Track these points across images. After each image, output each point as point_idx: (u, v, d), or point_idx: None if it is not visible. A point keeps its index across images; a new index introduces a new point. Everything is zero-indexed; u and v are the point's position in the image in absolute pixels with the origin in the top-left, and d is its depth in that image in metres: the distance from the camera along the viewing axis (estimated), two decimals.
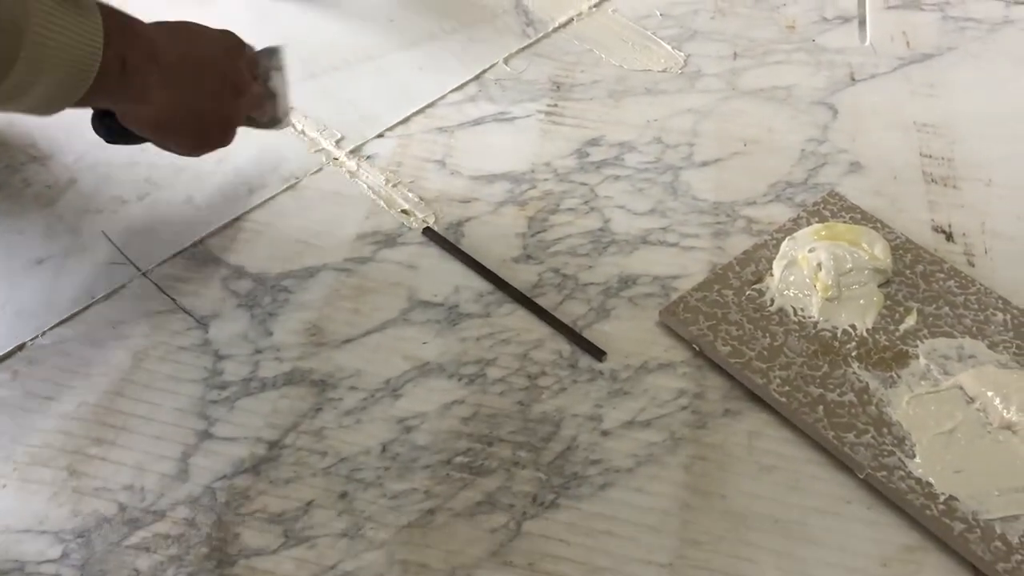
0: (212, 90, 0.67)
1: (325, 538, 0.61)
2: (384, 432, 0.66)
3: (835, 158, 0.87)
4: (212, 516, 0.61)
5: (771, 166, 0.86)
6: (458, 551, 0.60)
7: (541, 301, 0.74)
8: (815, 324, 0.72)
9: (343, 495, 0.63)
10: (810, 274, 0.74)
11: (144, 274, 0.74)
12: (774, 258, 0.76)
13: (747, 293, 0.74)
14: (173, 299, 0.73)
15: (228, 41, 0.70)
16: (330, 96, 0.89)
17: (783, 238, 0.77)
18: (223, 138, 0.71)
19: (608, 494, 0.63)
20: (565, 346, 0.71)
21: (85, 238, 0.77)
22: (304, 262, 0.76)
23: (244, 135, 0.85)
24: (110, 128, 0.68)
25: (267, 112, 0.74)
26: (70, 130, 0.85)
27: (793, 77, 0.95)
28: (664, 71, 0.95)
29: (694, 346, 0.71)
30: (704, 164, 0.86)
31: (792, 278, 0.74)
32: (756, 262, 0.76)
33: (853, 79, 0.95)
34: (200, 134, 0.69)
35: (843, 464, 0.65)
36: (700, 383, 0.70)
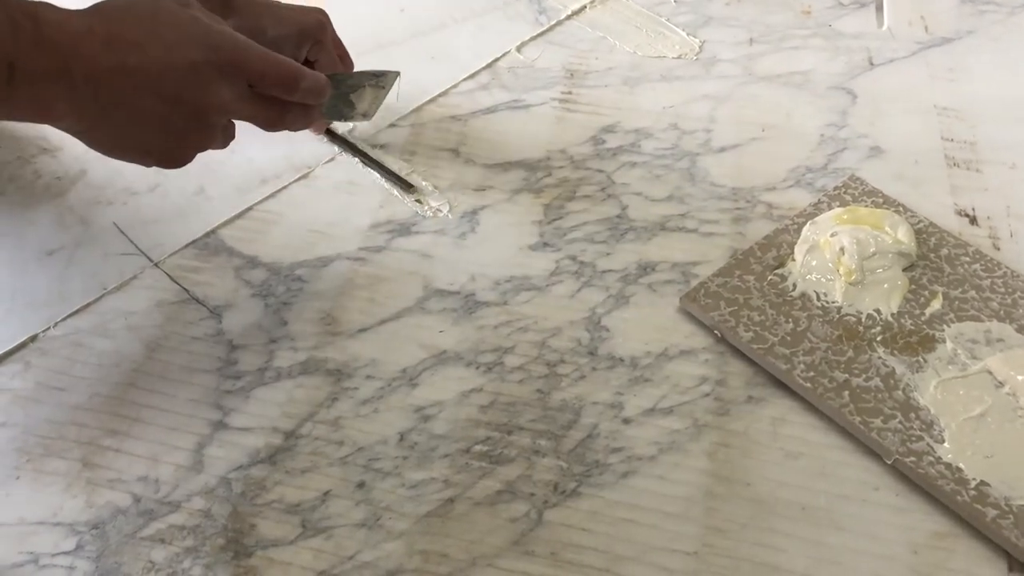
0: (152, 119, 0.57)
1: (343, 528, 0.60)
2: (402, 421, 0.65)
3: (855, 143, 0.85)
4: (228, 507, 0.60)
5: (790, 151, 0.84)
6: (478, 540, 0.59)
7: (558, 288, 0.73)
8: (839, 309, 0.71)
9: (361, 485, 0.62)
10: (833, 258, 0.72)
11: (156, 264, 0.74)
12: (795, 243, 0.75)
13: (769, 278, 0.73)
14: (186, 289, 0.72)
15: (208, 46, 0.57)
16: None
17: (804, 223, 0.76)
18: (186, 154, 0.62)
19: (630, 482, 0.62)
20: (584, 333, 0.70)
21: (96, 229, 0.76)
22: (318, 252, 0.75)
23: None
24: None
25: (293, 128, 0.69)
26: None
27: (810, 62, 0.93)
28: (679, 57, 0.94)
29: (716, 332, 0.70)
30: (722, 150, 0.84)
31: (814, 262, 0.73)
32: (777, 247, 0.75)
33: (871, 64, 0.93)
34: (145, 154, 0.60)
35: (870, 450, 0.63)
36: (722, 370, 0.68)
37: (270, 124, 0.66)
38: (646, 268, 0.75)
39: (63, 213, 0.77)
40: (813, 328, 0.69)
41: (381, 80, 0.78)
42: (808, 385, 0.66)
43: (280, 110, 0.65)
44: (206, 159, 0.79)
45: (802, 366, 0.67)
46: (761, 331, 0.69)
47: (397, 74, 0.78)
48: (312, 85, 0.64)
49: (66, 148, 0.82)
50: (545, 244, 0.76)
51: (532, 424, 0.65)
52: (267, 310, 0.71)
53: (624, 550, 0.59)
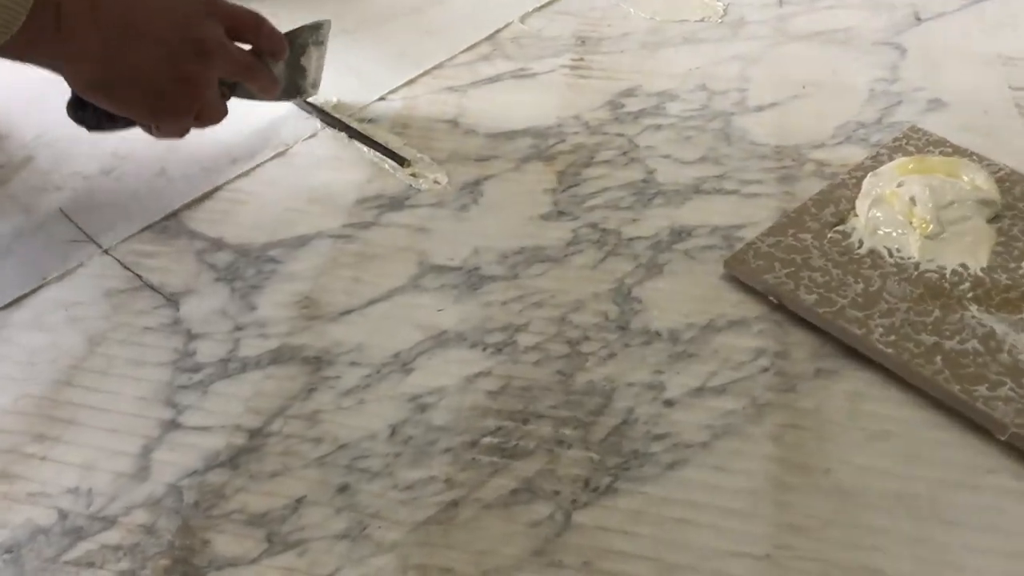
0: (164, 47, 0.58)
1: (319, 541, 0.47)
2: (393, 412, 0.53)
3: (910, 96, 0.74)
4: (176, 520, 0.48)
5: (837, 107, 0.73)
6: (490, 551, 0.47)
7: (577, 259, 0.62)
8: (916, 265, 0.59)
9: (343, 488, 0.49)
10: (903, 210, 0.61)
11: (106, 251, 0.63)
12: (855, 198, 0.63)
13: (829, 236, 0.61)
14: (138, 276, 0.61)
15: None
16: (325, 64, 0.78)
17: (863, 176, 0.64)
18: (188, 102, 0.61)
19: (679, 474, 0.50)
20: (611, 306, 0.59)
21: (40, 217, 0.65)
22: (295, 231, 0.64)
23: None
24: (89, 113, 0.62)
25: (266, 85, 0.66)
26: (30, 107, 0.74)
27: (849, 21, 0.83)
28: (702, 20, 0.84)
29: (770, 298, 0.58)
30: (759, 109, 0.74)
31: (881, 216, 0.61)
32: (835, 203, 0.63)
33: (918, 19, 0.83)
34: (155, 96, 0.60)
35: (976, 425, 0.51)
36: (782, 340, 0.56)
37: (246, 70, 0.64)
38: (680, 233, 0.63)
39: (4, 202, 0.67)
40: (889, 287, 0.57)
41: (319, 34, 0.70)
42: (890, 351, 0.54)
43: (251, 59, 0.64)
44: (170, 141, 0.69)
45: (880, 330, 0.55)
46: (826, 293, 0.57)
47: (329, 22, 0.70)
48: (272, 30, 0.65)
49: (13, 135, 0.72)
50: (560, 213, 0.65)
51: (553, 411, 0.53)
52: (233, 295, 0.60)
53: (677, 556, 0.46)
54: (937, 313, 0.56)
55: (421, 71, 0.78)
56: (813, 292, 0.57)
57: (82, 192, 0.67)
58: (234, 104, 0.74)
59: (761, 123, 0.72)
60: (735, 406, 0.53)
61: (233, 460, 0.51)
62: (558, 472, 0.50)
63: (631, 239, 0.63)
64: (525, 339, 0.57)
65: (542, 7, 0.86)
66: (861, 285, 0.58)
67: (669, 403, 0.53)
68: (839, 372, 0.54)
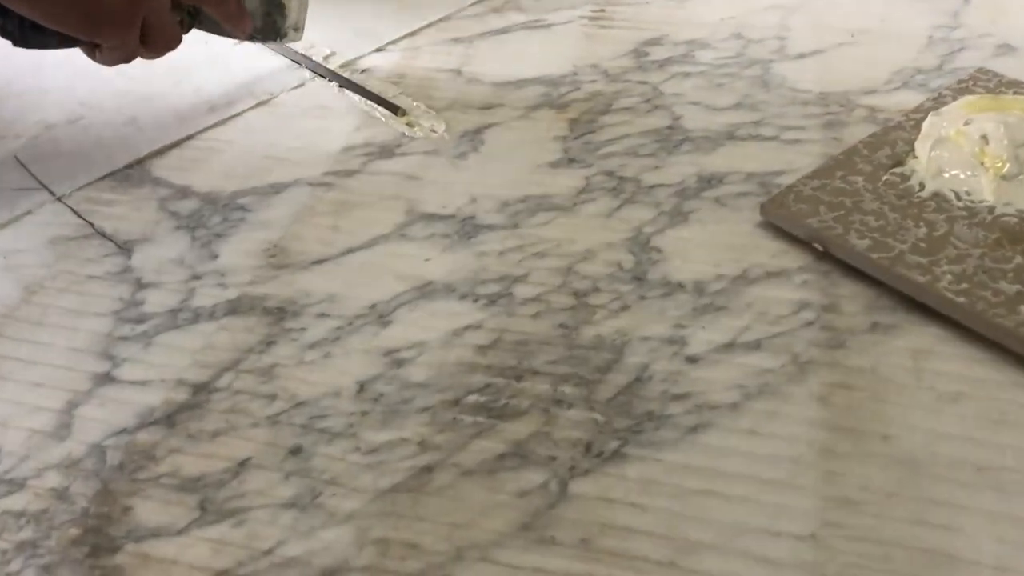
0: None
1: (261, 510, 0.39)
2: (363, 368, 0.45)
3: (975, 42, 0.65)
4: (95, 484, 0.40)
5: (891, 54, 0.65)
6: (467, 524, 0.38)
7: (589, 207, 0.53)
8: (990, 209, 0.49)
9: (295, 451, 0.41)
10: (972, 150, 0.52)
11: (59, 199, 0.56)
12: (914, 140, 0.54)
13: (884, 178, 0.52)
14: (90, 223, 0.54)
15: None
16: (316, 15, 0.71)
17: (922, 118, 0.55)
18: (126, 10, 0.52)
19: (703, 439, 0.41)
20: (626, 256, 0.50)
21: None
22: (270, 179, 0.57)
23: (205, 49, 0.68)
24: (12, 22, 0.53)
25: (232, 14, 0.58)
26: None
27: None
28: None
29: (815, 245, 0.49)
30: (801, 56, 0.65)
31: (946, 156, 0.52)
32: (891, 145, 0.55)
33: None
34: (85, 2, 0.51)
35: None
36: (829, 292, 0.47)
37: None
38: (710, 180, 0.55)
39: None
40: (957, 232, 0.48)
41: None
42: (962, 300, 0.44)
43: None
44: (145, 91, 0.63)
45: (949, 278, 0.45)
46: (882, 238, 0.48)
47: None
48: None
49: None
50: (571, 160, 0.57)
51: (552, 367, 0.44)
52: (193, 243, 0.52)
53: (698, 534, 0.37)
54: (1018, 259, 0.46)
55: (425, 23, 0.71)
56: (866, 237, 0.48)
57: (44, 141, 0.61)
58: (215, 51, 0.68)
59: (803, 70, 0.64)
60: (772, 364, 0.44)
61: (170, 418, 0.43)
62: (554, 435, 0.41)
63: (652, 186, 0.55)
64: (523, 290, 0.48)
65: None
66: (924, 229, 0.48)
67: (692, 359, 0.44)
68: (899, 326, 0.45)
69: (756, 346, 0.45)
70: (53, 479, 0.41)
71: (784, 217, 0.51)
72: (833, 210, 0.50)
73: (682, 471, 0.39)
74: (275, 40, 0.64)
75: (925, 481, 0.38)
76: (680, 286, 0.48)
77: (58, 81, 0.66)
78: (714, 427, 0.41)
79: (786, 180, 0.54)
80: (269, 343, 0.46)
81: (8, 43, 0.69)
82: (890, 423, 0.41)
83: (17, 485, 0.40)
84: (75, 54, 0.67)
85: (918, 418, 0.41)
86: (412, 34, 0.70)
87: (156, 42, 0.53)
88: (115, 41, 0.52)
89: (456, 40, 0.69)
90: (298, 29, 0.64)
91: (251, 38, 0.63)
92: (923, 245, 0.47)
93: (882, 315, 0.46)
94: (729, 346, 0.45)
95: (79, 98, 0.64)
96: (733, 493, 0.39)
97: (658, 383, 0.43)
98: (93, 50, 0.53)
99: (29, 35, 0.53)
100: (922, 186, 0.51)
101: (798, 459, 0.40)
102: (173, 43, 0.55)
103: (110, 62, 0.54)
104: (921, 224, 0.49)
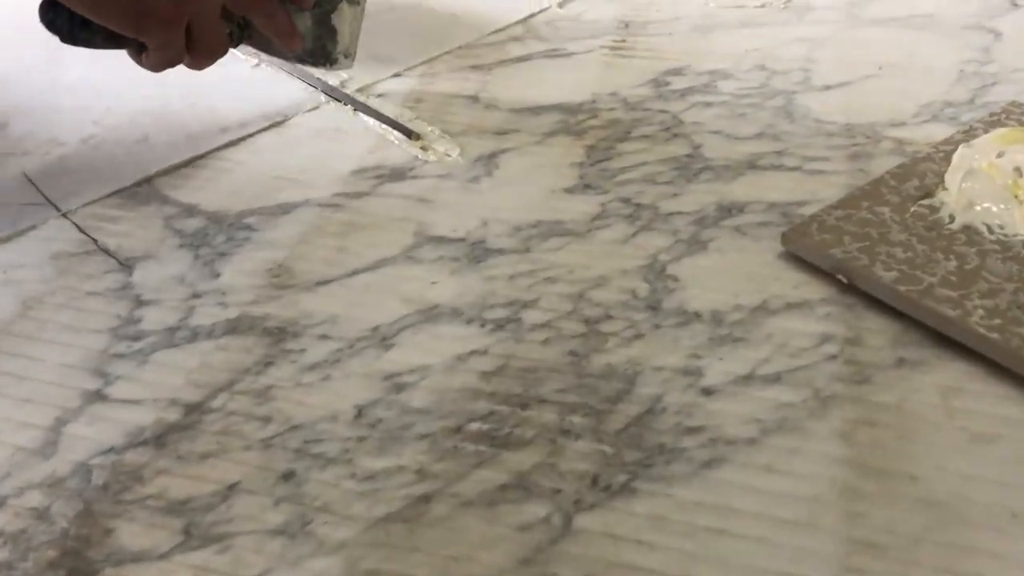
0: None
1: (248, 536, 0.37)
2: (362, 392, 0.43)
3: (1008, 77, 0.64)
4: (77, 505, 0.38)
5: (920, 88, 0.63)
6: (464, 557, 0.36)
7: (604, 234, 0.52)
8: None
9: (287, 476, 0.39)
10: (1005, 183, 0.49)
11: (64, 215, 0.55)
12: (944, 171, 0.52)
13: (912, 210, 0.50)
14: (93, 239, 0.53)
15: None
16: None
17: (952, 150, 0.53)
18: (175, 8, 0.51)
19: (717, 474, 0.38)
20: (641, 284, 0.48)
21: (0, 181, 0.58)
22: (279, 199, 0.56)
23: (222, 71, 0.67)
24: (62, 18, 0.52)
25: (284, 32, 0.58)
26: (11, 76, 0.68)
27: (932, 6, 0.73)
28: (763, 6, 0.75)
29: (839, 277, 0.47)
30: (826, 88, 0.64)
31: (978, 188, 0.50)
32: (920, 176, 0.53)
33: (1015, 3, 0.73)
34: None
35: None
36: (853, 325, 0.45)
37: (257, 3, 0.55)
38: (730, 209, 0.53)
39: None
40: (990, 266, 0.46)
41: None
42: (995, 336, 0.42)
43: None
44: (159, 110, 0.63)
45: (981, 312, 0.43)
46: (910, 270, 0.46)
47: None
48: None
49: None
50: (587, 186, 0.55)
51: (560, 395, 0.42)
52: (196, 262, 0.51)
53: (708, 574, 0.35)
54: None
55: (443, 51, 0.70)
56: (892, 269, 0.46)
57: (54, 158, 0.60)
58: (232, 74, 0.67)
59: (828, 101, 0.62)
60: (792, 398, 0.42)
61: (160, 438, 0.41)
62: (560, 467, 0.39)
63: (670, 214, 0.53)
64: (532, 316, 0.47)
65: None
66: (954, 263, 0.46)
67: (707, 392, 0.42)
68: (927, 362, 0.43)
69: (776, 379, 0.43)
70: (34, 498, 0.39)
71: (807, 247, 0.49)
72: (858, 241, 0.48)
73: (694, 508, 0.37)
74: (325, 66, 0.63)
75: (955, 526, 0.36)
76: (696, 316, 0.46)
77: (73, 101, 0.65)
78: (729, 462, 0.39)
79: (809, 211, 0.52)
80: (267, 364, 0.45)
81: (28, 61, 0.70)
82: (918, 463, 0.38)
83: None
84: (93, 74, 0.68)
85: (948, 459, 0.39)
86: (430, 60, 0.69)
87: (202, 48, 0.53)
88: (159, 40, 0.51)
89: (474, 67, 0.68)
90: (349, 56, 0.63)
91: (300, 60, 0.62)
92: (953, 279, 0.45)
93: (909, 350, 0.44)
94: (747, 378, 0.43)
95: (93, 118, 0.64)
96: (748, 533, 0.36)
97: (671, 415, 0.41)
98: (139, 53, 0.53)
99: (76, 31, 0.52)
100: (952, 218, 0.49)
101: (819, 498, 0.37)
102: (219, 51, 0.54)
103: (155, 65, 0.53)
104: (951, 257, 0.47)
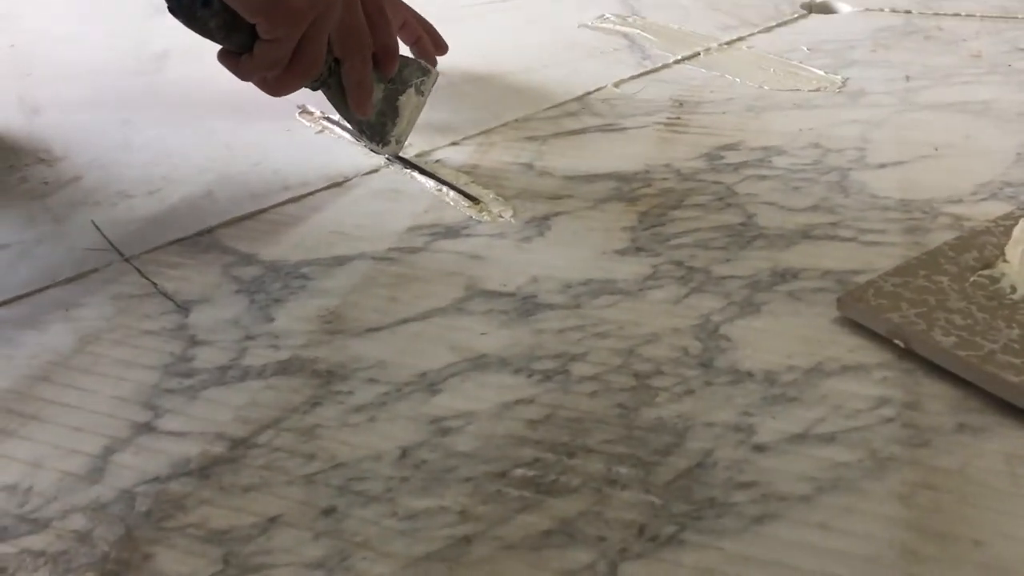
0: None
1: (286, 568, 0.36)
2: (408, 433, 0.43)
3: None
4: (120, 529, 0.38)
5: (977, 168, 0.63)
6: None
7: (656, 293, 0.52)
8: None
9: (329, 511, 0.39)
10: None
11: (126, 259, 0.56)
12: (1004, 244, 0.52)
13: (972, 279, 0.49)
14: (153, 282, 0.54)
15: None
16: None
17: (1012, 224, 0.53)
18: (305, 6, 0.54)
19: (769, 529, 0.37)
20: (693, 342, 0.48)
21: (69, 227, 0.60)
22: (334, 252, 0.57)
23: (288, 137, 0.71)
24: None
25: (363, 86, 0.62)
26: (90, 135, 0.71)
27: (988, 94, 0.74)
28: (817, 90, 0.76)
29: (896, 342, 0.46)
30: (881, 166, 0.64)
31: None
32: (979, 248, 0.52)
33: None
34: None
35: None
36: (911, 390, 0.44)
37: (362, 43, 0.61)
38: (784, 275, 0.53)
39: (36, 212, 0.62)
40: None
41: (424, 81, 0.67)
42: None
43: (372, 46, 0.61)
44: (224, 169, 0.65)
45: None
46: (970, 336, 0.45)
47: (436, 73, 0.68)
48: (394, 35, 0.65)
49: (68, 158, 0.69)
50: (639, 249, 0.56)
51: (608, 446, 0.41)
52: (251, 306, 0.52)
53: None
54: None
55: (500, 123, 0.72)
56: (952, 334, 0.45)
57: (121, 209, 0.62)
58: (297, 139, 0.70)
59: (883, 178, 0.62)
60: (848, 458, 0.40)
61: (204, 470, 0.41)
62: (606, 515, 0.38)
63: (722, 277, 0.53)
64: (581, 368, 0.46)
65: (639, 75, 0.80)
66: (1016, 331, 0.45)
67: (759, 448, 0.41)
68: (990, 429, 0.41)
69: (830, 439, 0.41)
70: (78, 521, 0.39)
71: (863, 312, 0.48)
72: (916, 307, 0.47)
73: (744, 562, 0.36)
74: (377, 142, 0.66)
75: None
76: (749, 375, 0.45)
77: (143, 158, 0.68)
78: (782, 519, 0.38)
79: (864, 279, 0.51)
80: (314, 404, 0.45)
81: (104, 122, 0.73)
82: (982, 529, 0.37)
83: (41, 525, 0.39)
84: (164, 134, 0.71)
85: (1014, 526, 0.37)
86: (487, 132, 0.71)
87: (301, 62, 0.56)
88: (278, 33, 0.53)
89: (529, 138, 0.70)
90: (400, 142, 0.66)
91: (359, 127, 0.65)
92: (1016, 346, 0.44)
93: (970, 416, 0.42)
94: (801, 437, 0.42)
95: (161, 173, 0.66)
96: None
97: (722, 470, 0.40)
98: (239, 55, 0.55)
99: (197, 8, 0.53)
100: (1013, 289, 0.48)
101: (876, 559, 0.36)
102: (311, 72, 0.57)
103: (253, 67, 0.55)
104: (1013, 325, 0.46)
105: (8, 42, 0.92)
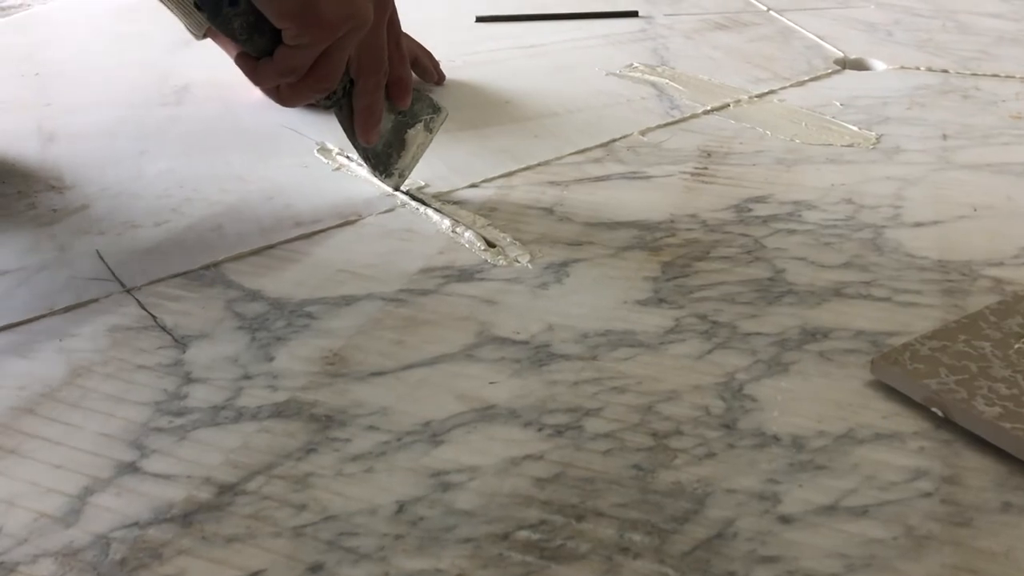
0: None
1: None
2: (407, 487, 0.40)
3: None
4: None
5: (1019, 230, 0.60)
6: None
7: (678, 348, 0.49)
8: None
9: (315, 568, 0.36)
10: None
11: (128, 291, 0.54)
12: None
13: (1017, 347, 0.46)
14: (152, 316, 0.52)
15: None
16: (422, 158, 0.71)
17: None
18: (342, 13, 0.53)
19: None
20: (716, 401, 0.45)
21: (72, 255, 0.58)
22: (342, 291, 0.54)
23: (303, 173, 0.69)
24: None
25: (374, 109, 0.62)
26: (101, 165, 0.70)
27: None
28: (851, 145, 0.73)
29: (934, 410, 0.43)
30: (918, 225, 0.61)
31: None
32: (1023, 314, 0.49)
33: None
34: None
35: None
36: (951, 463, 0.41)
37: (379, 67, 0.60)
38: (814, 334, 0.50)
39: (41, 239, 0.60)
40: None
41: (433, 119, 0.66)
42: None
43: (388, 73, 0.61)
44: (234, 202, 0.63)
45: None
46: (1016, 408, 0.42)
47: (446, 112, 0.67)
48: (409, 72, 0.65)
49: (78, 187, 0.67)
50: (661, 300, 0.53)
51: (620, 510, 0.38)
52: (252, 344, 0.49)
53: None
54: None
55: (521, 167, 0.70)
56: (996, 405, 0.42)
57: (126, 239, 0.60)
58: (312, 174, 0.68)
59: (919, 237, 0.59)
60: (882, 534, 0.37)
61: (187, 516, 0.38)
62: None
63: (749, 334, 0.50)
64: (595, 424, 0.43)
65: (666, 124, 0.78)
66: None
67: (785, 520, 0.38)
68: None
69: (863, 512, 0.38)
70: (47, 567, 0.36)
71: (898, 376, 0.45)
72: (956, 373, 0.44)
73: None
74: (380, 172, 0.65)
75: None
76: (775, 439, 0.42)
77: (155, 190, 0.66)
78: None
79: (899, 341, 0.48)
80: (309, 450, 0.42)
81: (118, 151, 0.72)
82: None
83: (7, 569, 0.36)
84: (178, 166, 0.69)
85: None
86: (508, 175, 0.69)
87: (321, 72, 0.55)
88: (305, 40, 0.52)
89: (551, 183, 0.68)
90: (403, 176, 0.65)
91: (365, 155, 0.63)
92: None
93: (1017, 495, 0.39)
94: (830, 509, 0.38)
95: (171, 205, 0.64)
96: None
97: (744, 541, 0.37)
98: (257, 58, 0.53)
99: (223, 5, 0.51)
100: None
101: None
102: (329, 81, 0.56)
103: (271, 73, 0.54)
104: None
105: (34, 70, 0.92)
